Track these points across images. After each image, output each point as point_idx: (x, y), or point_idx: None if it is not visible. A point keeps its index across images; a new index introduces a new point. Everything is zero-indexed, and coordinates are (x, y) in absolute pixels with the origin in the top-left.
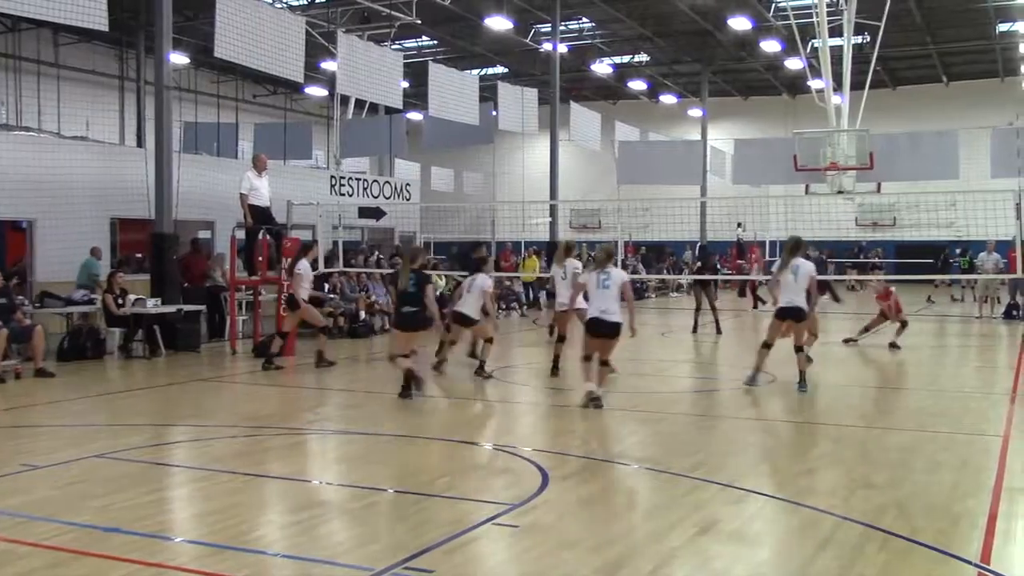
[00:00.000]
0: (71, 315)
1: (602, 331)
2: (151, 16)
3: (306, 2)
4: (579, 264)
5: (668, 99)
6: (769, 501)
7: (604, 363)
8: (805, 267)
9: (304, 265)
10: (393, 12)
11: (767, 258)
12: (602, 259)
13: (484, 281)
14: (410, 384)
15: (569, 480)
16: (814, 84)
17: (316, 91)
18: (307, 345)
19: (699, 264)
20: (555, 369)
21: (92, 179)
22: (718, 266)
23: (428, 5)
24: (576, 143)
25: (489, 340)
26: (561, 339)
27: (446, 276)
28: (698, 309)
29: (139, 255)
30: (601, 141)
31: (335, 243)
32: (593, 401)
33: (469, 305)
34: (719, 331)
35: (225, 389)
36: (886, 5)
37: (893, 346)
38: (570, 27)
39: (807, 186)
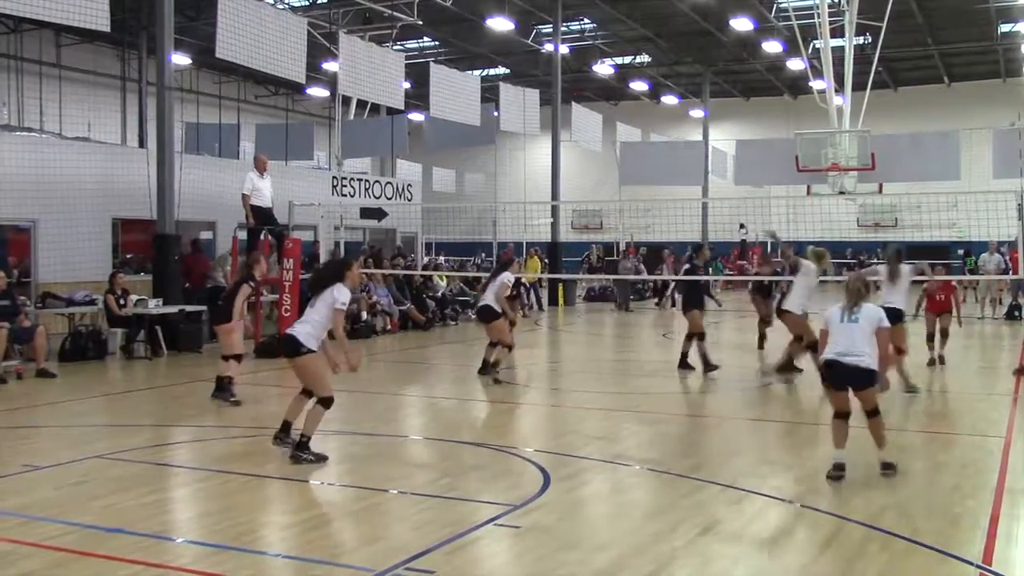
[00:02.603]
0: (73, 315)
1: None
2: (153, 17)
3: (308, 3)
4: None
5: (670, 100)
6: (770, 502)
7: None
8: (905, 271)
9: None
10: (395, 13)
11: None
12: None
13: (505, 276)
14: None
15: (570, 481)
16: (816, 85)
17: (318, 92)
18: None
19: (686, 266)
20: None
21: (94, 180)
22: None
23: (430, 6)
24: (578, 144)
25: (508, 346)
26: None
27: (447, 277)
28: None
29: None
30: (603, 142)
31: (337, 244)
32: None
33: (489, 298)
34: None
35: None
36: (888, 6)
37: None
38: (571, 28)
39: (809, 187)
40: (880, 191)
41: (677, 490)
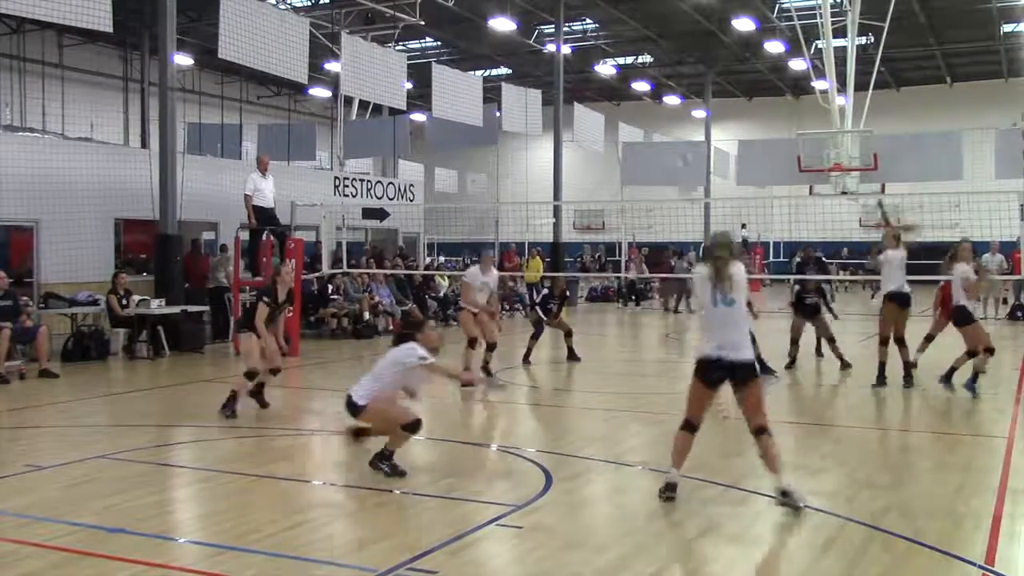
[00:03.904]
0: (75, 316)
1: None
2: (155, 17)
3: (310, 3)
4: None
5: (672, 100)
6: (772, 502)
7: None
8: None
9: (473, 272)
10: (397, 13)
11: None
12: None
13: (465, 274)
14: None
15: (572, 481)
16: (818, 85)
17: (320, 92)
18: (311, 346)
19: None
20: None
21: (96, 180)
22: (674, 264)
23: (432, 6)
24: (580, 144)
25: (469, 340)
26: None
27: (449, 277)
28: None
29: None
30: (605, 142)
31: (339, 244)
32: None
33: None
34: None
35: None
36: (890, 6)
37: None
38: (573, 28)
39: (811, 187)
40: (882, 191)
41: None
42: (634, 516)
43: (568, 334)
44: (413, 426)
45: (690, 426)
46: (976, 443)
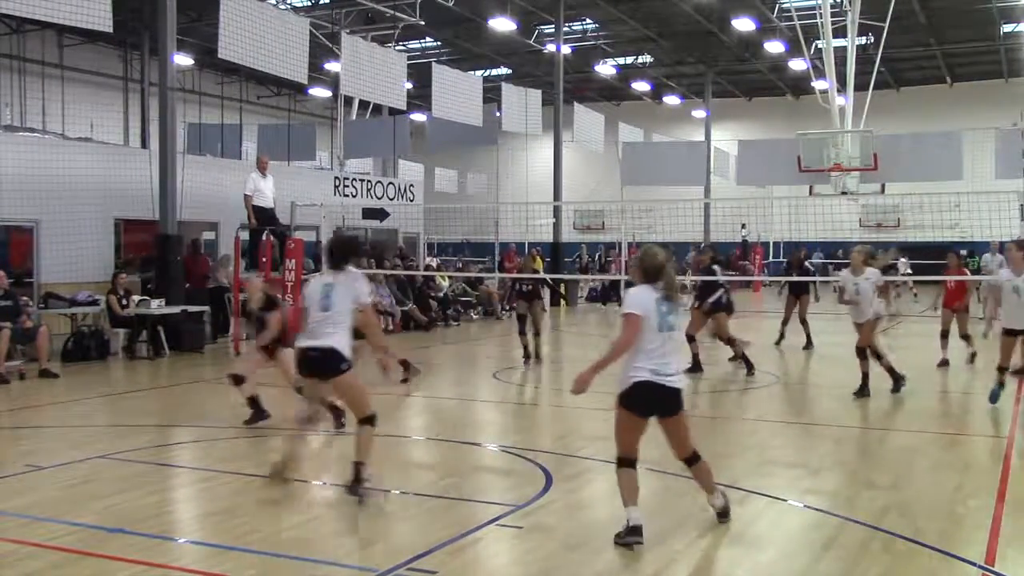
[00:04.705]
0: (75, 316)
1: None
2: (155, 17)
3: (310, 3)
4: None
5: (672, 100)
6: (772, 502)
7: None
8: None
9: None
10: (397, 13)
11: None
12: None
13: None
14: None
15: (572, 481)
16: (818, 85)
17: (320, 92)
18: None
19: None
20: None
21: (96, 180)
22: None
23: (432, 6)
24: (580, 144)
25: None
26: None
27: (450, 277)
28: None
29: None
30: (605, 142)
31: None
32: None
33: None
34: None
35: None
36: (890, 6)
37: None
38: (573, 28)
39: (811, 187)
40: (882, 191)
41: (679, 491)
42: None
43: (536, 333)
44: (373, 418)
45: (629, 462)
46: (976, 443)
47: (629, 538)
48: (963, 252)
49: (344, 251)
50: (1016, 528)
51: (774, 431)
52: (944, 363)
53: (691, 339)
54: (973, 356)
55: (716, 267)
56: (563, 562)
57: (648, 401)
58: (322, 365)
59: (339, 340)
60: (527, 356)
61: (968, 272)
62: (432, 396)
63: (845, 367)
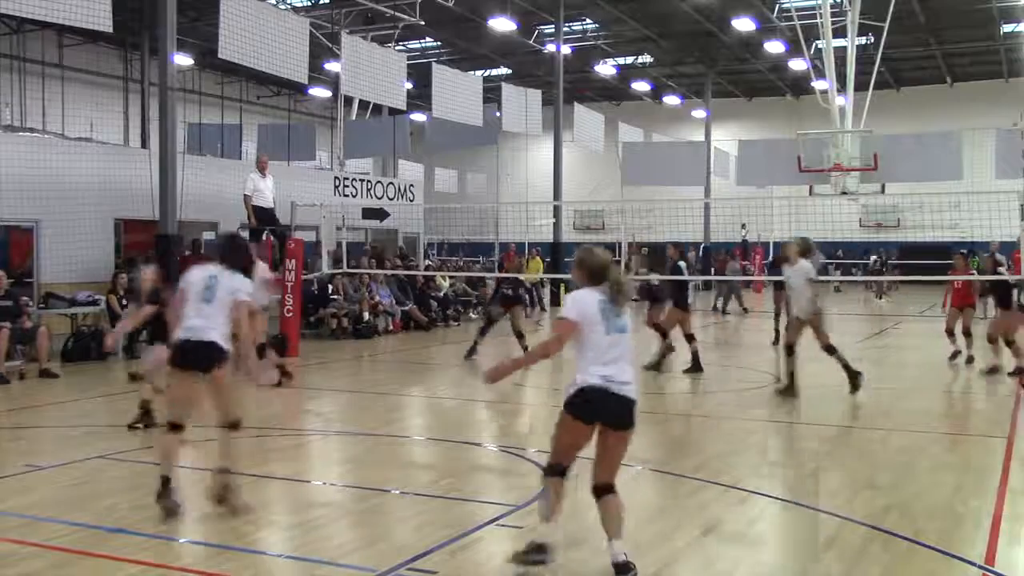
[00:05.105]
0: (75, 316)
1: None
2: (155, 17)
3: (310, 3)
4: None
5: (672, 100)
6: (772, 502)
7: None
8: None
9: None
10: (397, 13)
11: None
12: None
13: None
14: None
15: (572, 481)
16: (818, 85)
17: (320, 92)
18: (311, 346)
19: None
20: None
21: (96, 180)
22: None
23: (432, 6)
24: (580, 144)
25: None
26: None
27: (450, 277)
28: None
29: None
30: (605, 142)
31: (339, 244)
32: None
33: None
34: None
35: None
36: (890, 6)
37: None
38: (573, 28)
39: (811, 187)
40: (883, 191)
41: (679, 491)
42: (634, 516)
43: (520, 335)
44: (240, 423)
45: (560, 471)
46: (976, 443)
47: (533, 555)
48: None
49: (237, 252)
50: (1016, 528)
51: (774, 431)
52: (955, 355)
53: (690, 338)
54: (971, 359)
55: (682, 264)
56: (563, 562)
57: (597, 409)
58: (200, 357)
59: (218, 334)
60: (471, 353)
61: (974, 272)
62: (432, 396)
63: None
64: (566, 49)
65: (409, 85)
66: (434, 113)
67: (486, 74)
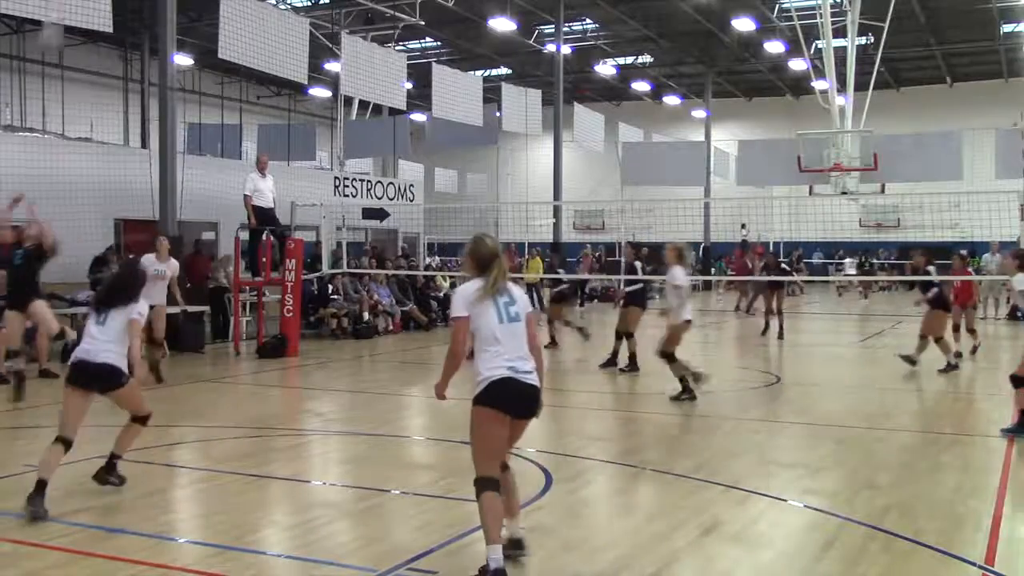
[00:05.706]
0: (75, 316)
1: None
2: (155, 17)
3: (310, 3)
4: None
5: (672, 100)
6: (772, 502)
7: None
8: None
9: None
10: (397, 13)
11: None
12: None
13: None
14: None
15: (572, 482)
16: (818, 85)
17: (320, 92)
18: (311, 346)
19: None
20: None
21: (96, 180)
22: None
23: (432, 6)
24: (580, 144)
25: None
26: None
27: (450, 277)
28: None
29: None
30: (605, 142)
31: (339, 244)
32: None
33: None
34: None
35: (229, 390)
36: (890, 6)
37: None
38: (573, 28)
39: (811, 187)
40: (882, 191)
41: (679, 491)
42: (634, 516)
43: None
44: (148, 418)
45: (493, 483)
46: (976, 443)
47: None
48: (963, 252)
49: (123, 287)
50: (1016, 528)
51: (774, 431)
52: (958, 354)
53: (630, 336)
54: (975, 349)
55: (638, 264)
56: (563, 562)
57: (511, 400)
58: (99, 381)
59: (115, 356)
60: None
61: (972, 272)
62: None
63: (845, 367)
64: (566, 49)
65: (409, 85)
66: (434, 113)
67: (486, 74)
